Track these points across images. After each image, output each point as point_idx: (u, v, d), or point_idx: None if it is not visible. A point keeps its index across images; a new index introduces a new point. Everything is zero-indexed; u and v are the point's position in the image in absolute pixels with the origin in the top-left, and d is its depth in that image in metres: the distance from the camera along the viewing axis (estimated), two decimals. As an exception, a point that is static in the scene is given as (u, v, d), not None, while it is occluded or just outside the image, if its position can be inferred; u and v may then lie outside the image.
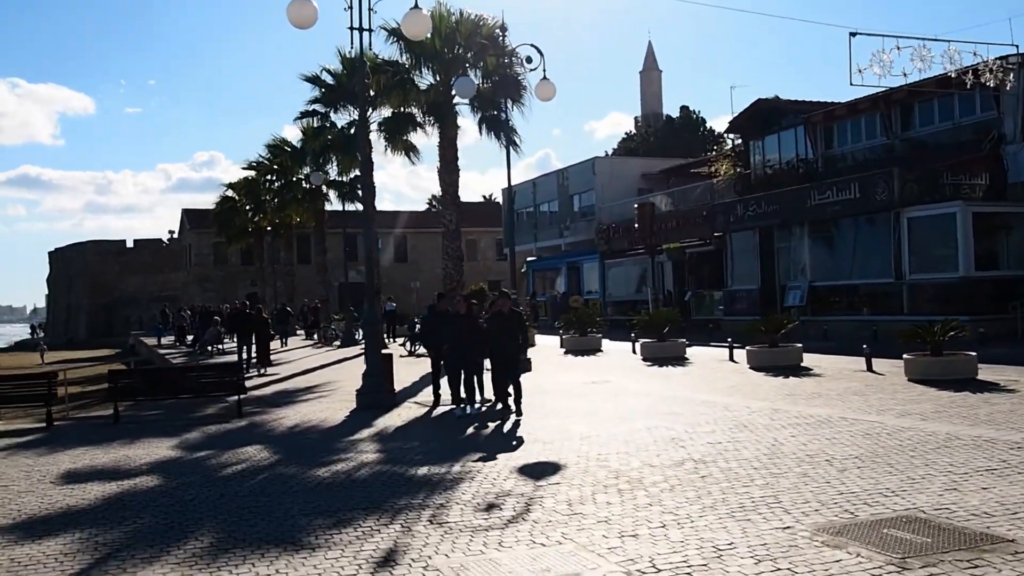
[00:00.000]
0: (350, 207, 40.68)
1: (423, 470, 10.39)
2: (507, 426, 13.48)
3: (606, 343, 28.02)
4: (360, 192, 35.81)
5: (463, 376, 14.62)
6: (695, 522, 7.58)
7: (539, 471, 10.04)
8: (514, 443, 12.08)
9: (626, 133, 75.45)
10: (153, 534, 8.02)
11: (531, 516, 8.10)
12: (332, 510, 8.61)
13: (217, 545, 7.57)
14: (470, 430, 13.45)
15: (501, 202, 56.79)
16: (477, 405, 14.92)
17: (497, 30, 23.33)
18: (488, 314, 14.83)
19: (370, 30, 16.23)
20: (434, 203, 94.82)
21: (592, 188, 44.21)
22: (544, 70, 21.12)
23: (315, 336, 43.43)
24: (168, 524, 8.35)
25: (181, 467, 11.43)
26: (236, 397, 16.78)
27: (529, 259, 49.88)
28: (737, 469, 9.49)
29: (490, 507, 8.51)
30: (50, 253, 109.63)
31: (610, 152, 70.04)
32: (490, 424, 13.84)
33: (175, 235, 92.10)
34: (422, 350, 30.38)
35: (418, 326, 32.62)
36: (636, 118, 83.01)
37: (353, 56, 31.52)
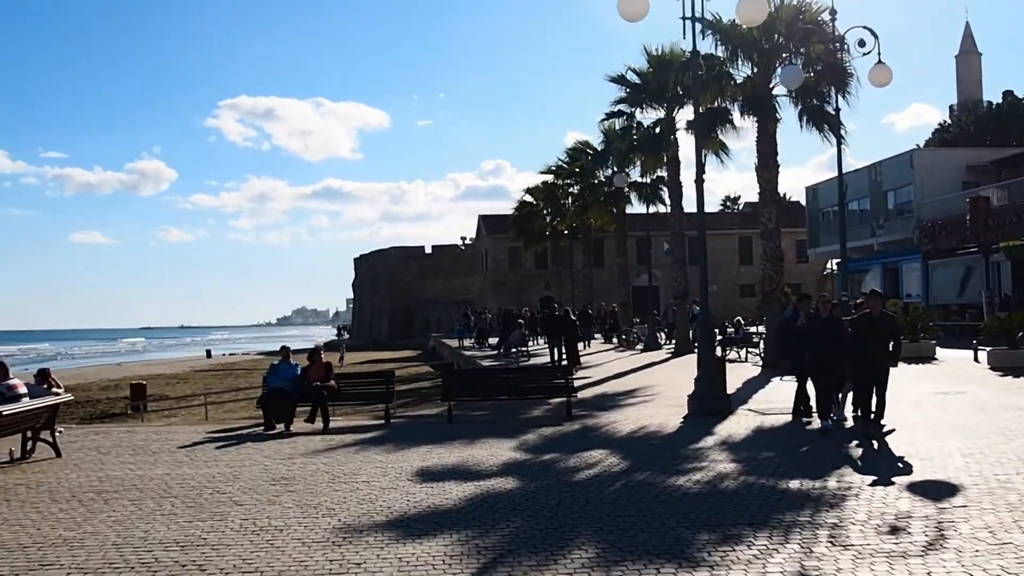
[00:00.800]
0: (650, 208, 40.17)
1: (794, 484, 9.53)
2: (872, 440, 12.26)
3: (939, 350, 25.77)
4: (667, 192, 35.19)
5: (825, 385, 13.29)
6: None
7: (933, 491, 8.92)
8: (888, 459, 10.96)
9: (939, 123, 69.98)
10: (532, 539, 7.70)
11: (950, 543, 7.10)
12: (713, 523, 7.96)
13: (605, 556, 7.12)
14: (830, 443, 12.36)
15: (804, 201, 54.12)
16: (835, 416, 13.63)
17: (825, 14, 21.87)
18: (855, 316, 13.44)
19: (702, 19, 15.49)
20: (728, 204, 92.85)
21: (910, 183, 40.99)
22: (879, 53, 19.54)
23: (614, 339, 43.26)
24: (544, 530, 8.01)
25: (532, 470, 11.17)
26: (565, 399, 16.55)
27: (836, 260, 47.18)
28: None
29: (895, 530, 7.57)
30: (356, 259, 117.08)
31: (921, 145, 65.22)
32: (851, 437, 12.69)
33: (467, 240, 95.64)
34: (733, 354, 29.33)
35: (732, 328, 31.60)
36: (951, 106, 76.87)
37: (660, 54, 31.34)
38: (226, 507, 9.46)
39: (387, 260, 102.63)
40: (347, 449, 13.52)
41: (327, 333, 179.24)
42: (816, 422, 13.55)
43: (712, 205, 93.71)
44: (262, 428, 16.07)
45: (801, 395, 14.26)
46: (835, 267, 49.83)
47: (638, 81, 32.51)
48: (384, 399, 17.21)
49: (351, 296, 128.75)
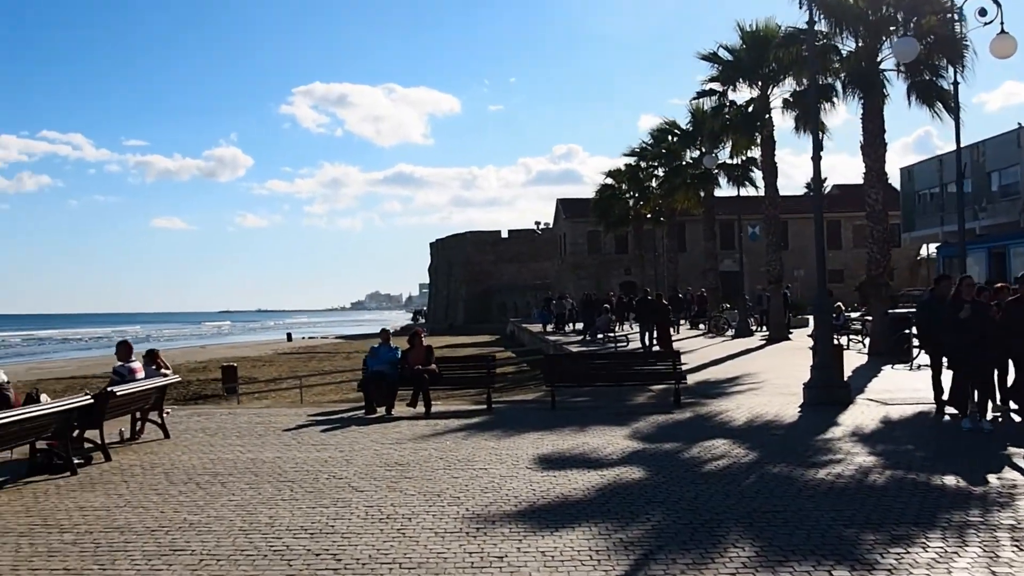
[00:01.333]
0: (740, 191, 39.07)
1: (950, 480, 8.88)
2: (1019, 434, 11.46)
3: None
4: (760, 173, 34.16)
5: (965, 376, 12.20)
6: None
7: (1110, 490, 8.20)
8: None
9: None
10: (679, 535, 7.22)
11: None
12: (874, 522, 7.39)
13: (764, 555, 6.60)
14: (968, 437, 11.58)
15: (897, 184, 52.21)
16: (990, 416, 12.48)
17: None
18: (1004, 302, 12.44)
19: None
20: (811, 188, 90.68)
21: (1016, 163, 39.25)
22: (1001, 23, 18.40)
23: (700, 325, 42.44)
24: (688, 524, 7.51)
25: (656, 459, 10.65)
26: (670, 386, 16.02)
27: (936, 245, 45.74)
28: None
29: (1086, 534, 6.90)
30: (432, 244, 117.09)
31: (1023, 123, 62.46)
32: (995, 431, 11.86)
33: (542, 225, 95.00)
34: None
35: (833, 314, 30.54)
36: (1053, 85, 73.95)
37: (754, 30, 30.38)
38: (346, 493, 9.15)
39: (463, 244, 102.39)
40: (454, 434, 13.17)
41: (402, 318, 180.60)
42: (949, 411, 12.78)
43: (796, 188, 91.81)
44: (363, 411, 15.85)
45: (937, 385, 13.34)
46: (935, 251, 48.17)
47: (730, 59, 31.48)
48: (484, 383, 16.84)
49: (424, 281, 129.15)
